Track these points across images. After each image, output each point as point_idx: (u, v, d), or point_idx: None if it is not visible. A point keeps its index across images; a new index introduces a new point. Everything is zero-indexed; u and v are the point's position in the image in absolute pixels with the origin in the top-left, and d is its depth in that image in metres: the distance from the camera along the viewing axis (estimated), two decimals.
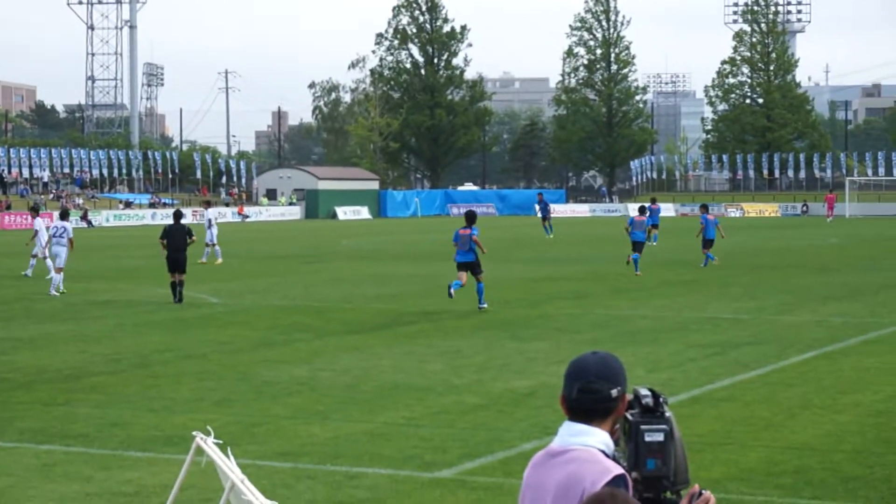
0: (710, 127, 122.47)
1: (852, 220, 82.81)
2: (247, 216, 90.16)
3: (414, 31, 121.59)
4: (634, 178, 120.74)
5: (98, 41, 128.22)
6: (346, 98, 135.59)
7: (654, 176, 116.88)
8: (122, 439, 11.67)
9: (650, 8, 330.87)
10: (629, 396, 3.97)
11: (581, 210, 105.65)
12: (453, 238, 23.77)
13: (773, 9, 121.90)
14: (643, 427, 3.83)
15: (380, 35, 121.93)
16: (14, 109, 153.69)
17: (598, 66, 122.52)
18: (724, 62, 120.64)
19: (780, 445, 11.15)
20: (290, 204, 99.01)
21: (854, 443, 11.30)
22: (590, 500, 3.59)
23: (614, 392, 3.97)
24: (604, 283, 29.58)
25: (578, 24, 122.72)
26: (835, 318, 21.61)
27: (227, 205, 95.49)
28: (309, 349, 17.92)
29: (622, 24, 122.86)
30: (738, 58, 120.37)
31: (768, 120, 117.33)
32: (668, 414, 3.87)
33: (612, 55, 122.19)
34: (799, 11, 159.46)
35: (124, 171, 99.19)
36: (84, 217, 78.87)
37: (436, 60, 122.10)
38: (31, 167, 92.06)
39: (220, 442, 6.34)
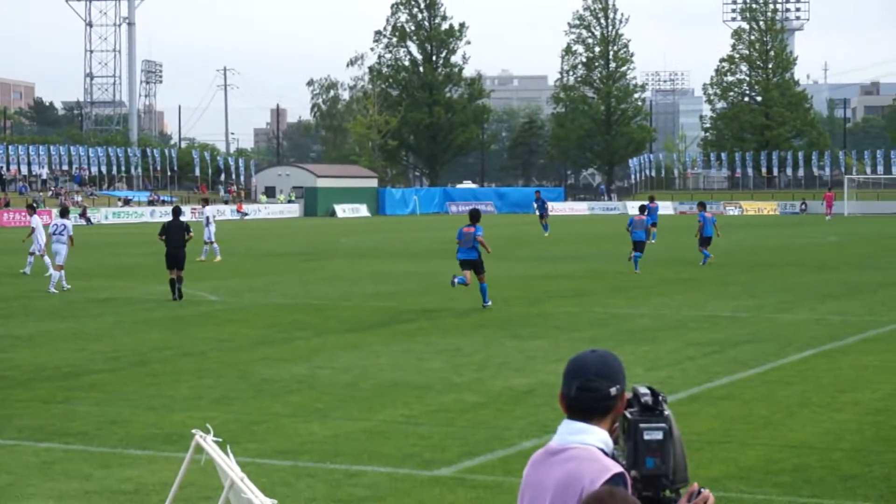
0: (708, 125, 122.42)
1: (851, 218, 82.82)
2: (245, 214, 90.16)
3: (412, 28, 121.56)
4: (633, 177, 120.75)
5: (96, 38, 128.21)
6: (345, 95, 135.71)
7: (653, 174, 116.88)
8: (122, 437, 11.67)
9: (649, 6, 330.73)
10: (628, 395, 3.98)
11: (580, 208, 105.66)
12: (457, 235, 23.71)
13: (771, 6, 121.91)
14: (642, 425, 3.84)
15: (378, 32, 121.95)
16: (12, 106, 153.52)
17: (596, 63, 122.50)
18: (722, 60, 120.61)
19: (779, 444, 11.16)
20: (289, 202, 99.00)
21: (853, 441, 11.31)
22: (589, 498, 3.60)
23: (613, 390, 3.98)
24: (602, 281, 29.59)
25: (577, 22, 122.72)
26: (833, 316, 21.62)
27: (226, 202, 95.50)
28: (308, 347, 17.93)
29: (621, 21, 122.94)
30: (737, 56, 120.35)
31: (767, 118, 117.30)
32: (666, 412, 3.88)
33: (611, 53, 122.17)
34: (798, 9, 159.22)
35: (123, 168, 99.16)
36: (83, 214, 78.84)
37: (434, 58, 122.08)
38: (29, 164, 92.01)
39: (220, 440, 6.34)
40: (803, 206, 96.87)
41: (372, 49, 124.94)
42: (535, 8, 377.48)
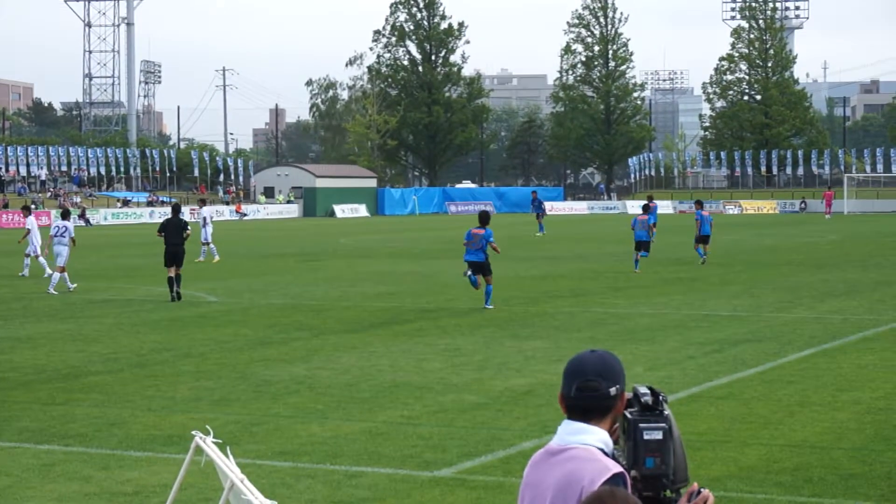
0: (707, 124, 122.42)
1: (850, 216, 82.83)
2: (245, 214, 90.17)
3: (411, 28, 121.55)
4: (632, 176, 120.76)
5: (95, 38, 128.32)
6: (344, 95, 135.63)
7: (652, 173, 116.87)
8: (121, 439, 11.66)
9: (648, 5, 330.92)
10: (628, 395, 3.97)
11: (579, 207, 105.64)
12: (465, 236, 23.58)
13: (771, 5, 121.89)
14: (642, 425, 3.84)
15: (377, 32, 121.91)
16: (11, 107, 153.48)
17: (595, 62, 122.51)
18: (721, 59, 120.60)
19: (780, 443, 11.15)
20: (288, 202, 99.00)
21: (853, 440, 11.30)
22: (590, 498, 3.59)
23: (613, 390, 3.97)
24: (602, 280, 29.58)
25: (576, 21, 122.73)
26: (833, 315, 21.61)
27: (227, 203, 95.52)
28: (307, 348, 17.92)
29: (620, 20, 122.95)
30: (736, 54, 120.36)
31: (766, 117, 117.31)
32: (666, 412, 3.87)
33: (610, 52, 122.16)
34: (797, 8, 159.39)
35: (122, 169, 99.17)
36: (82, 215, 78.83)
37: (433, 57, 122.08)
38: (28, 165, 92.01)
39: (220, 441, 6.33)
40: (803, 205, 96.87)
41: (371, 49, 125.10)
42: (534, 7, 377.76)
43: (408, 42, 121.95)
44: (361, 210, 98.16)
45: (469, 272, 23.25)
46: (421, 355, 16.98)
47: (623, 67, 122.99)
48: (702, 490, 3.82)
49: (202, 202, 44.09)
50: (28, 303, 25.52)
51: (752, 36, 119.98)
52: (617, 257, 37.58)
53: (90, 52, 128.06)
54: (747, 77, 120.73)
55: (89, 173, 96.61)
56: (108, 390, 14.40)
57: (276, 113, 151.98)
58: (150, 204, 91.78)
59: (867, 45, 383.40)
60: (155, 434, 11.84)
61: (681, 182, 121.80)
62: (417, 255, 40.95)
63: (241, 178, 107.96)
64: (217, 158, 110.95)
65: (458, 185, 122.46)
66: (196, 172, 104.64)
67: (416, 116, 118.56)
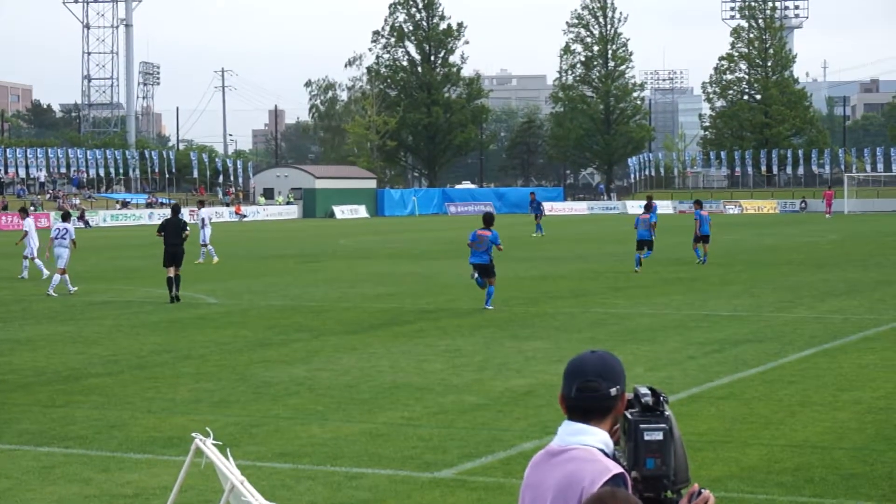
0: (707, 123, 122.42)
1: (851, 216, 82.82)
2: (244, 215, 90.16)
3: (410, 28, 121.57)
4: (632, 176, 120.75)
5: (94, 40, 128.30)
6: (343, 96, 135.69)
7: (652, 173, 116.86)
8: (121, 441, 11.65)
9: (647, 4, 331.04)
10: (629, 395, 3.96)
11: (579, 208, 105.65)
12: (470, 237, 23.53)
13: (770, 4, 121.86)
14: (642, 426, 3.83)
15: (376, 33, 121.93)
16: (10, 109, 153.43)
17: (595, 63, 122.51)
18: (721, 58, 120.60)
19: (781, 443, 11.14)
20: (288, 203, 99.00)
21: (854, 440, 11.28)
22: (591, 499, 3.58)
23: (613, 391, 3.96)
24: (602, 281, 29.57)
25: (575, 21, 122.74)
26: (834, 314, 21.60)
27: (227, 204, 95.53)
28: (307, 349, 17.90)
29: (619, 20, 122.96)
30: (736, 54, 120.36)
31: (766, 116, 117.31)
32: (667, 413, 3.86)
33: (610, 52, 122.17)
34: (796, 7, 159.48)
35: (121, 170, 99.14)
36: (81, 217, 78.84)
37: (432, 58, 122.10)
38: (27, 167, 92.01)
39: (220, 443, 6.32)
40: (803, 205, 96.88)
41: (370, 49, 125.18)
42: (533, 7, 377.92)
43: (407, 43, 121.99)
44: (361, 211, 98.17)
45: (476, 275, 23.24)
46: (421, 356, 16.96)
47: (622, 67, 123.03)
48: (702, 491, 3.80)
49: (201, 203, 44.09)
50: (27, 305, 25.51)
51: (751, 35, 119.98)
52: (617, 257, 37.58)
53: (89, 53, 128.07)
54: (747, 76, 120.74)
55: (88, 175, 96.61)
56: (108, 392, 14.39)
57: (276, 114, 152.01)
58: (149, 205, 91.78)
59: (867, 44, 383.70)
60: (155, 436, 11.83)
61: (681, 182, 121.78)
62: (417, 255, 40.94)
63: (240, 180, 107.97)
64: (216, 160, 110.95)
65: (457, 186, 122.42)
66: (195, 174, 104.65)
67: (416, 117, 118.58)
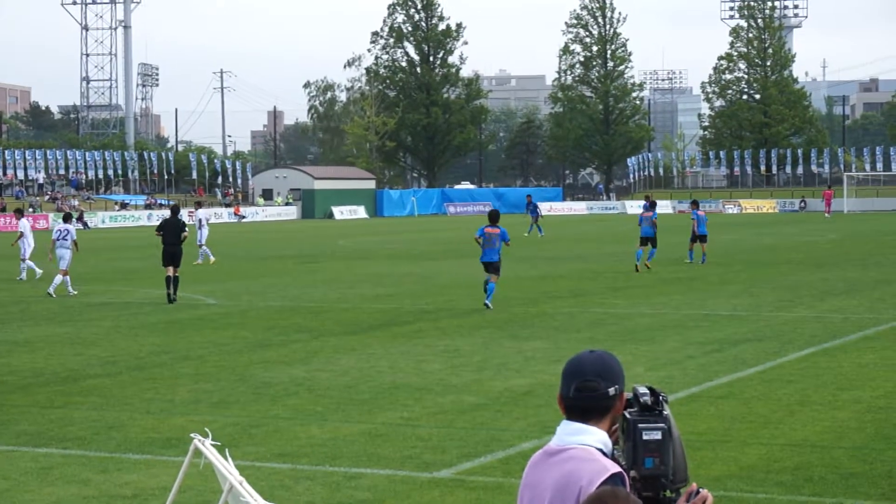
0: (706, 123, 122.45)
1: (850, 215, 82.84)
2: (243, 216, 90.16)
3: (409, 29, 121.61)
4: (631, 176, 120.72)
5: (92, 41, 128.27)
6: (342, 97, 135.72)
7: (652, 173, 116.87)
8: (120, 442, 11.64)
9: (647, 4, 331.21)
10: (628, 395, 3.95)
11: (578, 208, 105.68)
12: (478, 232, 23.51)
13: (769, 4, 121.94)
14: (641, 425, 3.82)
15: (375, 33, 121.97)
16: (8, 111, 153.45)
17: (594, 63, 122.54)
18: (720, 58, 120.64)
19: (780, 442, 11.13)
20: (287, 204, 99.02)
21: (854, 439, 11.28)
22: (591, 498, 3.57)
23: (612, 390, 3.95)
24: (601, 281, 29.57)
25: (574, 21, 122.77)
26: (833, 314, 21.59)
27: (226, 205, 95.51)
28: (306, 350, 17.89)
29: (618, 20, 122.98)
30: (735, 53, 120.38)
31: (765, 116, 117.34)
32: (666, 412, 3.85)
33: (609, 52, 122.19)
34: (796, 7, 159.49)
35: (120, 172, 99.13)
36: (79, 218, 78.81)
37: (431, 59, 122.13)
38: (26, 169, 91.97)
39: (218, 443, 6.31)
40: (802, 204, 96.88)
41: (369, 50, 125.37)
42: (532, 8, 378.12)
43: (406, 43, 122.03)
44: (360, 211, 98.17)
45: (489, 279, 23.20)
46: (420, 356, 16.96)
47: (622, 67, 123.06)
48: (700, 490, 3.80)
49: (198, 204, 44.12)
50: (26, 306, 25.50)
51: (750, 35, 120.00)
52: (616, 257, 37.57)
53: (87, 55, 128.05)
54: (746, 76, 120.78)
55: (87, 176, 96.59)
56: (107, 393, 14.38)
57: (275, 115, 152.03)
58: (147, 207, 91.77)
59: (866, 43, 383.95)
60: (153, 437, 11.81)
61: (680, 182, 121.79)
62: (416, 256, 40.92)
63: (239, 181, 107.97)
64: (215, 161, 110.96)
65: (456, 187, 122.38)
66: (194, 175, 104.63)
67: (415, 118, 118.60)
